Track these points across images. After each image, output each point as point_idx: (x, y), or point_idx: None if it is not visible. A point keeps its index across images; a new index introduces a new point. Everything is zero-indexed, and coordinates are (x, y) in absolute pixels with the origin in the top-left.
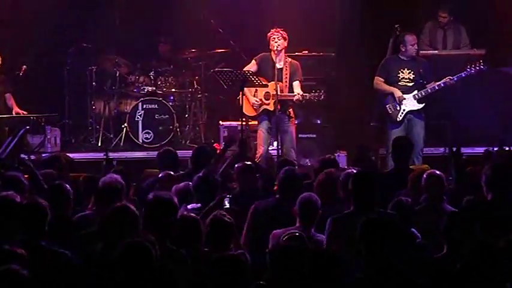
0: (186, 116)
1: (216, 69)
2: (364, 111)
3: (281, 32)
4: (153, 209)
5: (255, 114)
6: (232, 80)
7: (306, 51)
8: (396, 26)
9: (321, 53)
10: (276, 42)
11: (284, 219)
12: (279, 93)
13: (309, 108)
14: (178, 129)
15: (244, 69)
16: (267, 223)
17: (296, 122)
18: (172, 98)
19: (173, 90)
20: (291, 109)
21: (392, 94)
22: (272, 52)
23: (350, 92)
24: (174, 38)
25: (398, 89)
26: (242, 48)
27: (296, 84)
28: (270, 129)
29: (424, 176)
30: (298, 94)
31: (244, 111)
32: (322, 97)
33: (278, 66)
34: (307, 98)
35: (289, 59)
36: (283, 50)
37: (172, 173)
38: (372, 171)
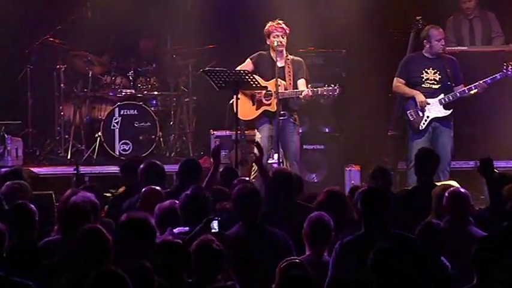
0: (171, 123)
1: (206, 68)
2: (380, 118)
3: (284, 27)
4: (126, 232)
5: (254, 116)
6: (225, 81)
7: (312, 48)
8: (418, 18)
9: (330, 50)
10: (277, 38)
11: (251, 252)
12: (283, 90)
13: (316, 114)
14: (161, 139)
15: (238, 68)
16: (237, 257)
17: (300, 131)
18: (154, 102)
19: (156, 93)
20: (296, 115)
21: (414, 98)
22: (271, 50)
23: (364, 95)
24: (156, 33)
25: (422, 92)
26: (237, 44)
27: (302, 83)
28: (271, 137)
29: (446, 194)
30: (308, 89)
31: (240, 115)
32: (338, 92)
33: (279, 64)
34: (319, 93)
35: (291, 56)
36: (284, 48)
37: (158, 188)
38: (385, 188)
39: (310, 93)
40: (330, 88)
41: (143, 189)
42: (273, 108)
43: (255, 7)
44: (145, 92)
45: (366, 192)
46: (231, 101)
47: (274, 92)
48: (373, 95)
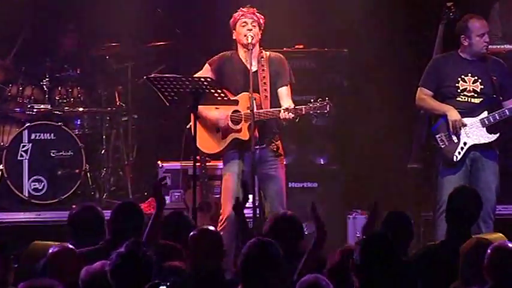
0: (102, 152)
1: (152, 74)
2: (397, 144)
3: (256, 14)
4: None
5: (220, 149)
6: (179, 93)
7: (301, 46)
8: (449, 4)
9: (326, 49)
10: (248, 29)
11: None
12: (256, 110)
13: (306, 139)
14: (89, 175)
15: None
16: None
17: (286, 163)
18: (79, 122)
19: (81, 109)
20: (278, 140)
21: (445, 116)
22: (239, 47)
23: (374, 113)
24: (82, 25)
25: (457, 108)
26: (196, 41)
27: (284, 92)
28: (243, 173)
29: (489, 251)
30: (288, 108)
31: (199, 145)
32: (328, 109)
33: (252, 68)
34: (303, 112)
35: (267, 53)
36: (257, 45)
37: (71, 247)
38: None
39: (291, 115)
40: (317, 105)
41: (51, 249)
42: (245, 135)
43: None
44: (66, 107)
45: (365, 243)
46: (188, 125)
47: (245, 112)
48: (386, 113)
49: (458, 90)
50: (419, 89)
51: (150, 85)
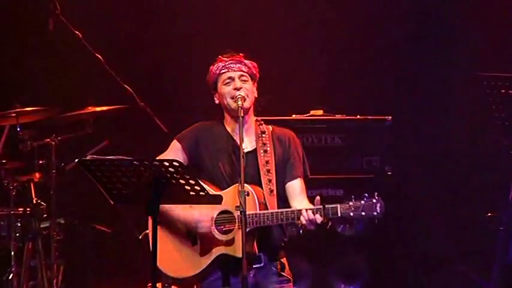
0: (10, 277)
1: (88, 155)
2: (466, 262)
3: (246, 62)
4: None
5: (197, 271)
6: (129, 185)
7: (320, 112)
8: None
9: (357, 117)
10: (235, 88)
11: None
12: (256, 211)
13: (326, 253)
14: None
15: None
16: None
17: None
18: None
19: None
20: (284, 257)
21: None
22: (225, 116)
23: (428, 214)
24: None
25: None
26: (155, 104)
27: (297, 188)
28: None
29: None
30: (312, 208)
31: (160, 265)
32: (379, 211)
33: (246, 147)
34: (339, 214)
35: (269, 126)
36: (251, 109)
37: None
38: None
39: (318, 219)
40: (362, 203)
41: None
42: (237, 250)
43: (190, 26)
44: None
45: None
46: (144, 233)
47: (239, 211)
48: (449, 215)
49: None
50: None
51: (85, 172)
